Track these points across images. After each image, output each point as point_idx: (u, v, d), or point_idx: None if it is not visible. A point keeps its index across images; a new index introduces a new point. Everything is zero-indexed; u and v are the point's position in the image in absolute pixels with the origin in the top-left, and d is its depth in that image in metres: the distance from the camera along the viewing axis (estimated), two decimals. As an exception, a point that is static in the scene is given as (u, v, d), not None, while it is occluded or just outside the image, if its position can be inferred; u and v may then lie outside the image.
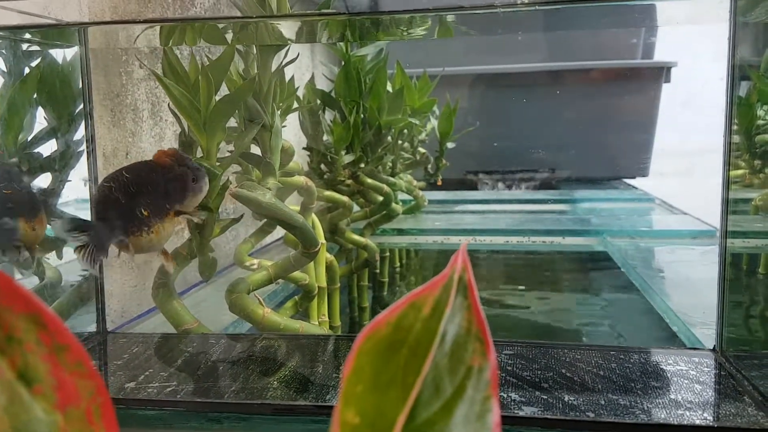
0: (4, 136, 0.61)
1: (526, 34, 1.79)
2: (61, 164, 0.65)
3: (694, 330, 0.73)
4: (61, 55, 0.65)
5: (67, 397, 0.20)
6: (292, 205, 0.71)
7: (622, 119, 1.94)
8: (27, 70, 0.63)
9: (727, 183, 0.60)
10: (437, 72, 1.29)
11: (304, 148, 1.05)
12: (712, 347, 0.58)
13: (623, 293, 1.12)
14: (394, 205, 1.14)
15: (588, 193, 1.90)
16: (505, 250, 1.34)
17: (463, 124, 1.58)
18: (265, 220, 0.80)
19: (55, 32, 0.63)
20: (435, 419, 0.20)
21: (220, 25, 0.60)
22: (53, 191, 0.65)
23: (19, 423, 0.19)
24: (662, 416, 0.44)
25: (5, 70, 0.62)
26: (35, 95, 0.63)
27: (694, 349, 0.61)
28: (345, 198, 1.01)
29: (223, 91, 0.64)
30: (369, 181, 1.07)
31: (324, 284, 0.84)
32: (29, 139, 0.64)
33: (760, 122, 0.91)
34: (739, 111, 0.76)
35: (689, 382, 0.50)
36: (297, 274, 0.75)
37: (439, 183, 1.54)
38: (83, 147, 0.66)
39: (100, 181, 0.57)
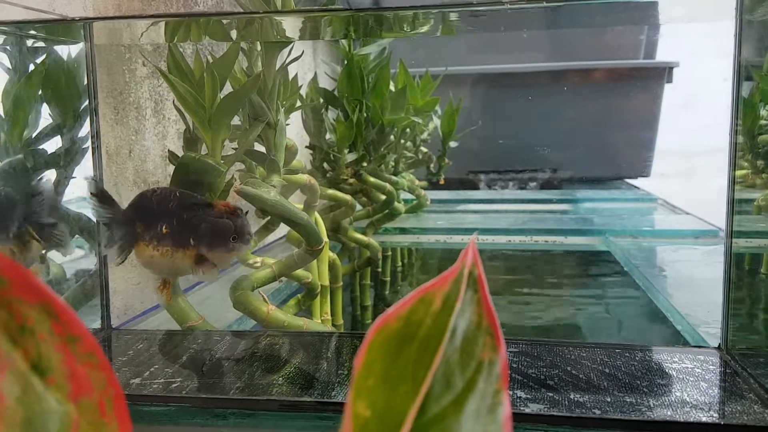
0: (9, 132, 0.61)
1: (529, 35, 1.79)
2: (65, 161, 0.65)
3: (698, 329, 0.73)
4: (66, 51, 0.65)
5: (80, 388, 0.20)
6: (295, 203, 0.71)
7: (624, 119, 1.94)
8: (32, 67, 0.63)
9: (733, 183, 0.60)
10: (440, 71, 1.29)
11: (306, 147, 1.05)
12: (717, 345, 0.58)
13: (626, 292, 1.12)
14: (396, 204, 1.14)
15: (590, 193, 1.90)
16: (507, 249, 1.34)
17: (466, 123, 1.58)
18: (268, 218, 0.80)
19: (60, 28, 0.63)
20: (446, 413, 0.20)
21: (225, 21, 0.60)
22: (58, 188, 0.65)
23: (33, 413, 0.19)
24: (668, 413, 0.44)
25: (10, 67, 0.62)
26: (40, 91, 0.63)
27: (699, 347, 0.61)
28: (347, 196, 1.01)
29: (227, 89, 0.64)
30: (371, 179, 1.07)
31: (327, 282, 0.84)
32: (34, 135, 0.64)
33: (763, 122, 0.91)
34: (743, 111, 0.76)
35: (695, 379, 0.50)
36: (300, 272, 0.75)
37: (442, 182, 1.54)
38: (88, 143, 0.66)
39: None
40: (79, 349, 0.20)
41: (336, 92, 1.02)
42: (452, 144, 1.51)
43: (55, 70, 0.63)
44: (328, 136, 1.02)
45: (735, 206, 0.60)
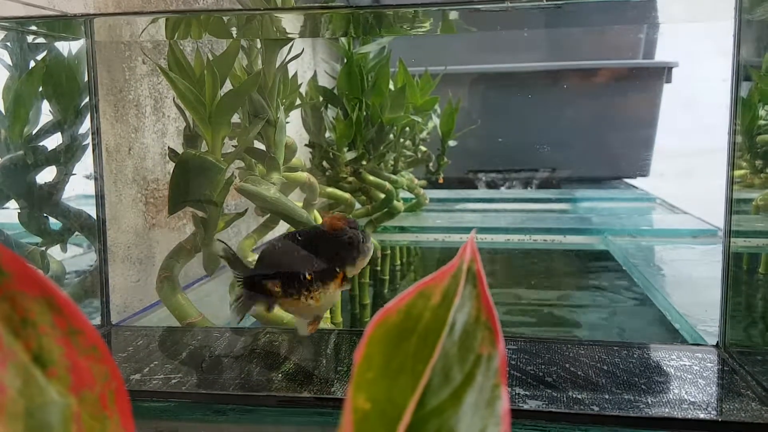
0: (10, 128, 0.61)
1: (528, 34, 1.80)
2: (66, 157, 0.65)
3: (696, 327, 0.73)
4: (67, 48, 0.65)
5: (82, 380, 0.20)
6: (295, 201, 0.71)
7: (623, 119, 1.95)
8: (33, 63, 0.63)
9: (731, 182, 0.60)
10: (439, 70, 1.29)
11: (306, 145, 1.05)
12: (715, 343, 0.58)
13: (625, 291, 1.12)
14: (395, 202, 1.14)
15: (589, 193, 1.90)
16: (506, 248, 1.34)
17: (465, 122, 1.58)
18: (268, 215, 0.80)
19: (60, 25, 0.63)
20: (444, 406, 0.21)
21: (225, 19, 0.60)
22: (58, 185, 0.65)
23: (34, 405, 0.19)
24: (666, 410, 0.44)
25: (11, 63, 0.62)
26: (41, 88, 0.63)
27: (698, 345, 0.61)
28: (347, 195, 1.01)
29: (227, 86, 0.64)
30: (371, 178, 1.07)
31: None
32: (34, 132, 0.64)
33: (762, 122, 0.91)
34: (741, 111, 0.77)
35: (693, 377, 0.50)
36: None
37: (441, 181, 1.54)
38: (88, 140, 0.66)
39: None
40: (81, 342, 0.20)
41: (336, 90, 1.02)
42: (451, 143, 1.51)
43: (56, 67, 0.63)
44: (327, 134, 1.02)
45: (733, 206, 0.60)
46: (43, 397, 0.19)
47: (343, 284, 0.53)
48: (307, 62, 1.49)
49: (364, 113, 1.03)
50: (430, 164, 1.54)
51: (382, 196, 1.11)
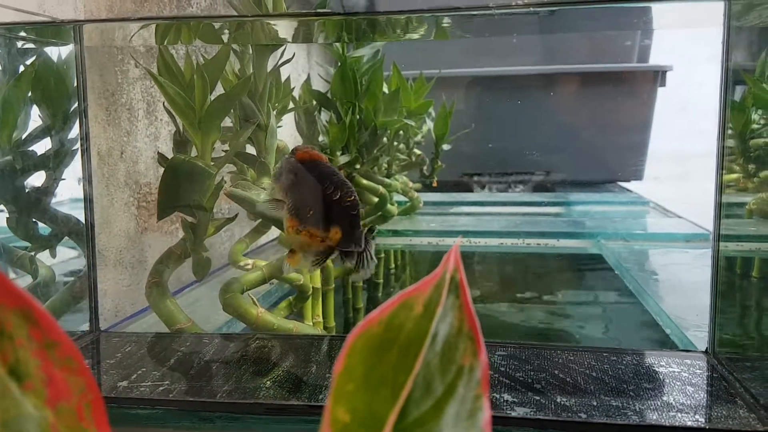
0: (-1, 133, 0.61)
1: (521, 37, 1.80)
2: (55, 162, 0.65)
3: (686, 332, 0.73)
4: (56, 53, 0.65)
5: (58, 393, 0.20)
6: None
7: (617, 122, 1.95)
8: (22, 68, 0.63)
9: (721, 187, 0.60)
10: (433, 74, 1.29)
11: (299, 149, 1.05)
12: (704, 349, 0.58)
13: (617, 296, 1.12)
14: (389, 206, 1.14)
15: (583, 196, 1.90)
16: (499, 252, 1.34)
17: (459, 126, 1.58)
18: (260, 220, 0.80)
19: (50, 30, 0.63)
20: (426, 418, 0.20)
21: (216, 25, 0.60)
22: (47, 190, 0.65)
23: (9, 418, 0.19)
24: (654, 417, 0.44)
25: (0, 68, 0.62)
26: (30, 93, 0.63)
27: (687, 351, 0.61)
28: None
29: (218, 90, 0.64)
30: (364, 182, 1.07)
31: (318, 285, 0.84)
32: (23, 137, 0.64)
33: (755, 126, 0.92)
34: (734, 115, 0.77)
35: (681, 383, 0.50)
36: (291, 274, 0.75)
37: (435, 184, 1.54)
38: (77, 145, 0.66)
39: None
40: (58, 354, 0.20)
41: (329, 94, 1.02)
42: (445, 146, 1.51)
43: (45, 72, 0.63)
44: (321, 138, 1.02)
45: (724, 210, 0.60)
46: (19, 410, 0.19)
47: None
48: (302, 65, 1.49)
49: (358, 117, 1.03)
50: (424, 167, 1.54)
51: (376, 199, 1.11)
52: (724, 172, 0.59)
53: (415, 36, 0.69)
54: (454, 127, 1.49)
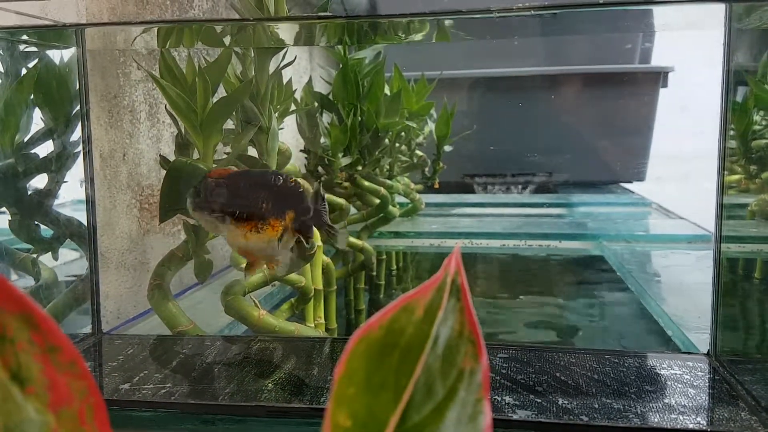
0: (1, 136, 0.61)
1: (523, 39, 1.80)
2: (57, 165, 0.65)
3: (688, 334, 0.73)
4: (59, 56, 0.65)
5: (60, 397, 0.20)
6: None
7: (619, 124, 1.95)
8: (24, 71, 0.63)
9: (722, 188, 0.60)
10: (435, 75, 1.29)
11: (301, 151, 1.05)
12: (706, 352, 0.58)
13: (619, 297, 1.12)
14: (390, 207, 1.14)
15: (585, 197, 1.90)
16: (501, 253, 1.34)
17: (461, 127, 1.58)
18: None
19: (52, 33, 0.63)
20: (427, 422, 0.21)
21: (218, 28, 0.60)
22: (49, 192, 0.65)
23: (12, 423, 0.19)
24: (656, 420, 0.44)
25: (2, 71, 0.62)
26: (32, 96, 0.63)
27: (689, 353, 0.61)
28: (342, 200, 1.01)
29: (220, 93, 0.64)
30: (366, 183, 1.07)
31: (320, 287, 0.84)
32: (26, 139, 0.64)
33: (757, 127, 0.91)
34: (736, 116, 0.77)
35: (683, 386, 0.50)
36: (293, 276, 0.75)
37: (436, 186, 1.54)
38: (80, 148, 0.66)
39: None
40: (60, 358, 0.20)
41: (331, 96, 1.02)
42: (447, 148, 1.51)
43: (47, 75, 0.63)
44: (322, 140, 1.02)
45: (725, 211, 0.60)
46: (21, 415, 0.19)
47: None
48: (303, 67, 1.49)
49: (360, 119, 1.03)
50: (426, 169, 1.54)
51: (378, 201, 1.11)
52: (726, 173, 0.59)
53: (417, 38, 0.69)
54: (456, 129, 1.49)
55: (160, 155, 0.67)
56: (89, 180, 0.65)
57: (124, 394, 0.50)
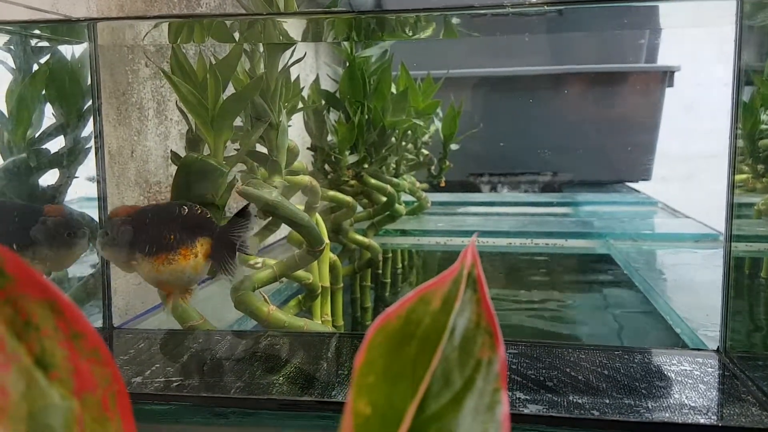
0: (13, 131, 0.62)
1: (530, 38, 1.80)
2: (68, 160, 0.66)
3: (697, 332, 0.73)
4: (70, 51, 0.65)
5: (84, 383, 0.20)
6: (296, 204, 0.71)
7: (625, 123, 1.95)
8: (36, 67, 0.63)
9: (732, 187, 0.60)
10: (442, 74, 1.29)
11: (308, 148, 1.05)
12: (715, 348, 0.58)
13: (626, 295, 1.12)
14: (397, 205, 1.14)
15: (591, 196, 1.90)
16: (507, 251, 1.34)
17: (467, 126, 1.58)
18: (270, 218, 0.81)
19: (64, 28, 0.63)
20: (444, 411, 0.21)
21: (228, 23, 0.61)
22: (61, 188, 0.66)
23: (36, 408, 0.19)
24: (667, 415, 0.44)
25: (14, 66, 0.63)
26: (44, 91, 0.63)
27: (698, 350, 0.61)
28: (348, 198, 1.01)
29: (229, 89, 0.65)
30: (372, 181, 1.07)
31: (327, 284, 0.85)
32: (37, 135, 0.64)
33: (764, 127, 0.91)
34: (743, 116, 0.76)
35: (693, 382, 0.50)
36: (301, 273, 0.75)
37: (443, 184, 1.54)
38: (91, 143, 0.66)
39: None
40: (83, 345, 0.20)
41: (338, 94, 1.03)
42: (453, 146, 1.51)
43: (59, 70, 0.64)
44: (329, 137, 1.02)
45: (735, 210, 0.60)
46: (46, 400, 0.19)
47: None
48: (310, 65, 1.50)
49: (366, 117, 1.03)
50: (432, 167, 1.54)
51: (384, 199, 1.11)
52: (735, 172, 0.59)
53: (424, 35, 0.69)
54: (462, 128, 1.49)
55: (171, 151, 0.68)
56: (101, 175, 0.66)
57: (136, 388, 0.50)
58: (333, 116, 1.03)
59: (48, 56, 0.64)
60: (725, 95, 0.61)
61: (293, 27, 0.65)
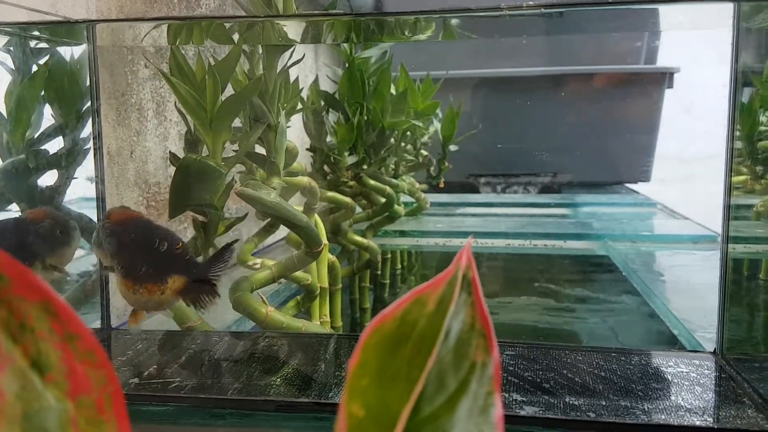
0: (12, 132, 0.62)
1: (529, 39, 1.80)
2: (67, 161, 0.66)
3: (695, 333, 0.73)
4: (69, 52, 0.65)
5: (79, 385, 0.20)
6: (295, 205, 0.72)
7: (624, 124, 1.95)
8: (35, 68, 0.63)
9: (729, 189, 0.60)
10: (441, 75, 1.29)
11: (307, 149, 1.06)
12: (712, 350, 0.58)
13: (624, 296, 1.12)
14: (396, 206, 1.14)
15: (590, 197, 1.90)
16: (506, 253, 1.35)
17: (466, 127, 1.58)
18: (269, 219, 0.81)
19: (63, 30, 0.63)
20: (439, 413, 0.21)
21: (227, 25, 0.61)
22: (59, 188, 0.66)
23: (31, 410, 0.19)
24: (663, 417, 0.45)
25: (14, 68, 0.63)
26: (43, 92, 0.64)
27: (695, 351, 0.61)
28: (347, 199, 1.01)
29: (228, 91, 0.65)
30: (371, 182, 1.07)
31: (326, 285, 0.85)
32: (36, 135, 0.64)
33: (763, 128, 0.91)
34: (742, 117, 0.77)
35: (690, 383, 0.50)
36: (299, 274, 0.75)
37: (442, 185, 1.54)
38: (90, 144, 0.66)
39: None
40: (79, 347, 0.20)
41: (337, 95, 1.03)
42: (452, 147, 1.51)
43: (58, 71, 0.64)
44: (328, 138, 1.02)
45: (732, 212, 0.60)
46: (41, 402, 0.19)
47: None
48: (309, 66, 1.50)
49: (365, 117, 1.03)
50: (431, 168, 1.54)
51: (383, 200, 1.11)
52: (732, 174, 0.59)
53: (423, 37, 0.69)
54: (462, 129, 1.49)
55: (170, 152, 0.68)
56: (100, 177, 0.66)
57: (133, 389, 0.50)
58: (332, 117, 1.03)
59: (47, 57, 0.64)
60: (724, 96, 0.61)
61: (292, 28, 0.65)
